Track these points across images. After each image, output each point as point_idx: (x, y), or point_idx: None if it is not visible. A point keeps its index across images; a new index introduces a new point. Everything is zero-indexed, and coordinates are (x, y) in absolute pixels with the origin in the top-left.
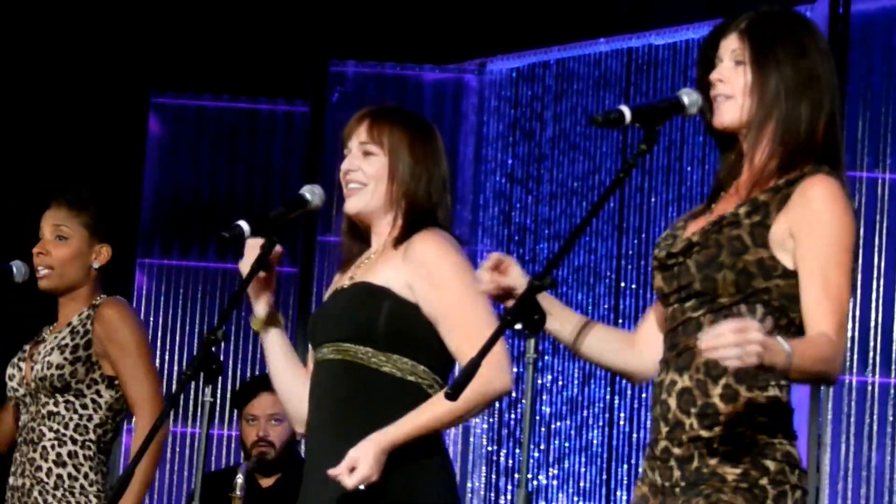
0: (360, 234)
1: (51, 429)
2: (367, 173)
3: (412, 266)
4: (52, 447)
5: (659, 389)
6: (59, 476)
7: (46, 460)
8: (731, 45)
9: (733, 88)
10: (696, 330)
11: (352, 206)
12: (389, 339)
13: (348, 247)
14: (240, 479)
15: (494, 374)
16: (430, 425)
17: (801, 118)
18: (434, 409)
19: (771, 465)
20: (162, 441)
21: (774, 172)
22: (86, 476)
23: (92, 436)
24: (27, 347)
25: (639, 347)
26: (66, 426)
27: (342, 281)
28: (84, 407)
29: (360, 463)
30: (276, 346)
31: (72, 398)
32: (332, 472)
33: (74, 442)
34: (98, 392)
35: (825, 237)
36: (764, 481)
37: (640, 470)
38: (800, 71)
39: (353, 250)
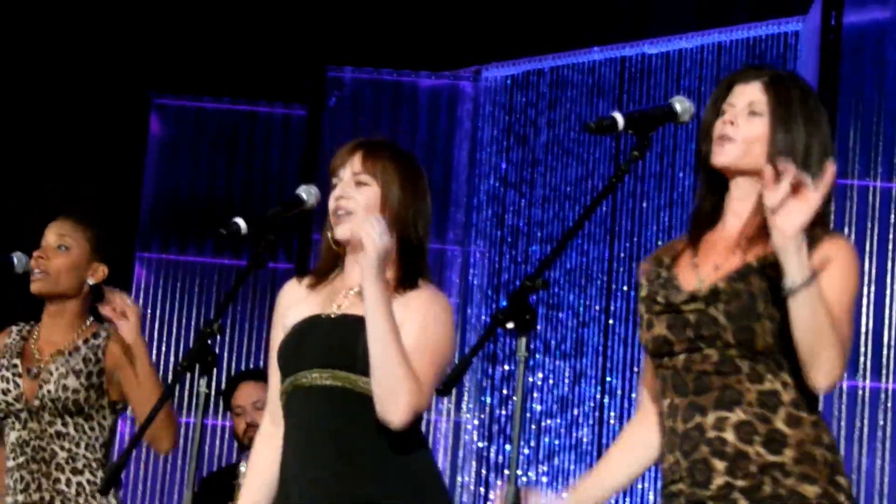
0: (334, 257)
1: (62, 447)
2: (359, 202)
3: (410, 312)
4: (67, 462)
5: (698, 432)
6: (80, 483)
7: (64, 472)
8: (751, 95)
9: (742, 135)
10: (735, 371)
11: (344, 231)
12: None
13: (324, 267)
14: (243, 467)
15: (420, 405)
16: (385, 334)
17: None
18: (395, 338)
19: (843, 482)
20: (171, 424)
21: None
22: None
23: (99, 454)
24: (17, 362)
25: (651, 420)
26: (77, 445)
27: (324, 307)
28: (92, 429)
29: (375, 229)
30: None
31: (81, 420)
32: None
33: (86, 459)
34: (104, 416)
35: (840, 286)
36: (842, 497)
37: None
38: (812, 140)
39: (329, 272)
